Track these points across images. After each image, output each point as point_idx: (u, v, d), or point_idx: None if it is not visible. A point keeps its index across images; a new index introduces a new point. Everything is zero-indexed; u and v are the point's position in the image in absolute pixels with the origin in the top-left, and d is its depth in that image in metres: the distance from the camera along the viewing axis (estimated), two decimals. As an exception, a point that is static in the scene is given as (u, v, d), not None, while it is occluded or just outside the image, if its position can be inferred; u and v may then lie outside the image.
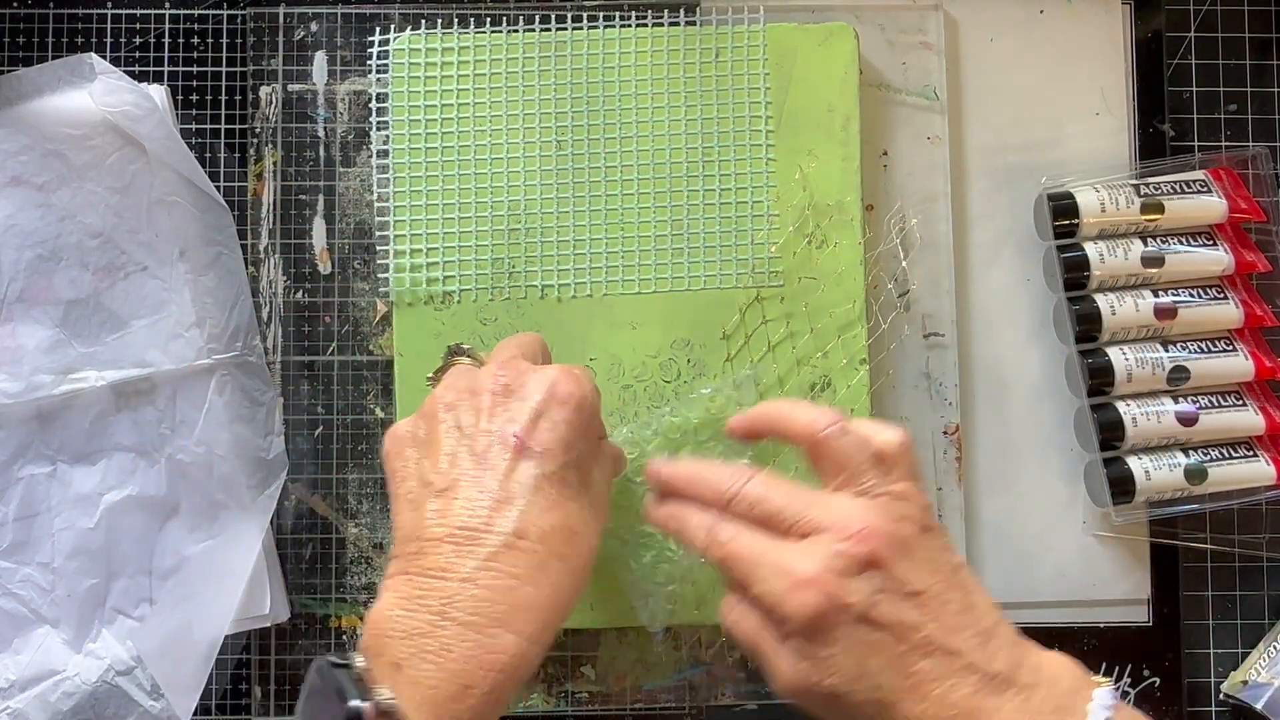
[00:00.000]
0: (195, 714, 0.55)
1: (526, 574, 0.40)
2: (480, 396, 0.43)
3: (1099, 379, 0.56)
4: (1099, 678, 0.41)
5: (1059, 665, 0.41)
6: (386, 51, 0.58)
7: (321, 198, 0.60)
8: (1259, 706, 0.56)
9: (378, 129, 0.58)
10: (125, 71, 0.58)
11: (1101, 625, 0.59)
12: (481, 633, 0.38)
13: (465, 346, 0.49)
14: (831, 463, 0.43)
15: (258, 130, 0.60)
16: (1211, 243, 0.57)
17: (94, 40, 0.60)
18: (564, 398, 0.43)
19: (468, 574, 0.39)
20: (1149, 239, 0.57)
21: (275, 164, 0.60)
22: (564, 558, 0.41)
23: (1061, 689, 0.40)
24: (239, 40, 0.60)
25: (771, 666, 0.41)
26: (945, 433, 0.58)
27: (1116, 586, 0.59)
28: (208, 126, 0.60)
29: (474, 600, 0.39)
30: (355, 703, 0.36)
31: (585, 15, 0.58)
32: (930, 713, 0.39)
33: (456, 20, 0.59)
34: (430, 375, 0.48)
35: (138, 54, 0.60)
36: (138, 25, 0.61)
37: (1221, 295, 0.57)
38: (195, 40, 0.60)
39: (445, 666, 0.38)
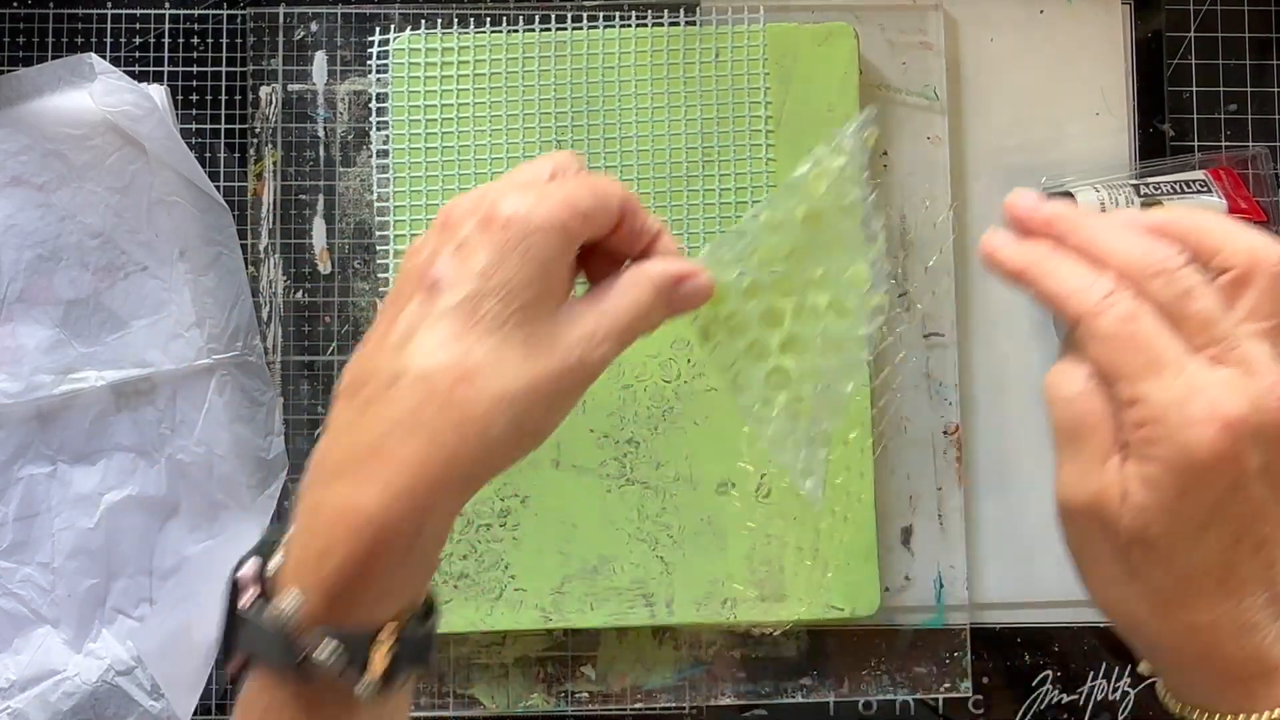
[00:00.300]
0: (195, 714, 0.55)
1: (393, 417, 0.33)
2: (427, 234, 0.37)
3: (1099, 379, 0.56)
4: None
5: None
6: (386, 51, 0.58)
7: (321, 198, 0.60)
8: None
9: (378, 129, 0.58)
10: (125, 71, 0.58)
11: (1102, 625, 0.59)
12: (342, 484, 0.33)
13: None
14: (1259, 305, 0.34)
15: (258, 130, 0.60)
16: (1211, 243, 0.57)
17: (94, 40, 0.60)
18: (505, 218, 0.34)
19: (342, 426, 0.35)
20: (1149, 239, 0.57)
21: (275, 164, 0.60)
22: (452, 404, 0.33)
23: None
24: (239, 40, 0.60)
25: (1083, 465, 0.35)
26: (945, 433, 0.59)
27: (1116, 586, 0.59)
28: (208, 126, 0.60)
29: (340, 452, 0.34)
30: (240, 570, 0.35)
31: (585, 15, 0.58)
32: (1214, 613, 0.34)
33: (456, 20, 0.59)
34: None
35: (138, 54, 0.60)
36: (138, 25, 0.61)
37: (1221, 295, 0.57)
38: (195, 40, 0.61)
39: (311, 526, 0.34)
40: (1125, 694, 0.59)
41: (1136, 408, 0.33)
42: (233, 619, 0.34)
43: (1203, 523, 0.33)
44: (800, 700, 0.58)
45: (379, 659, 0.33)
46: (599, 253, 0.37)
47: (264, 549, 0.35)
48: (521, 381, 0.34)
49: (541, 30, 0.58)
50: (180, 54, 0.60)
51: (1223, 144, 0.60)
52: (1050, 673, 0.59)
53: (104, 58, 0.57)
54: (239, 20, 0.60)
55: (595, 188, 0.36)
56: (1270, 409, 0.32)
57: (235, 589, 0.35)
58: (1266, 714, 0.34)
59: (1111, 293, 0.34)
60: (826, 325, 0.40)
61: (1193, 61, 0.61)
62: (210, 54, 0.60)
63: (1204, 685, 0.35)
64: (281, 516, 0.58)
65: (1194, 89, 0.61)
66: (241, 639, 0.34)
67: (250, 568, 0.35)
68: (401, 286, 0.36)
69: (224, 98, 0.60)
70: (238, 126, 0.60)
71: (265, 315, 0.59)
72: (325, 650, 0.33)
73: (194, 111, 0.60)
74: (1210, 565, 0.34)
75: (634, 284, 0.37)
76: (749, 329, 0.40)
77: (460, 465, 0.34)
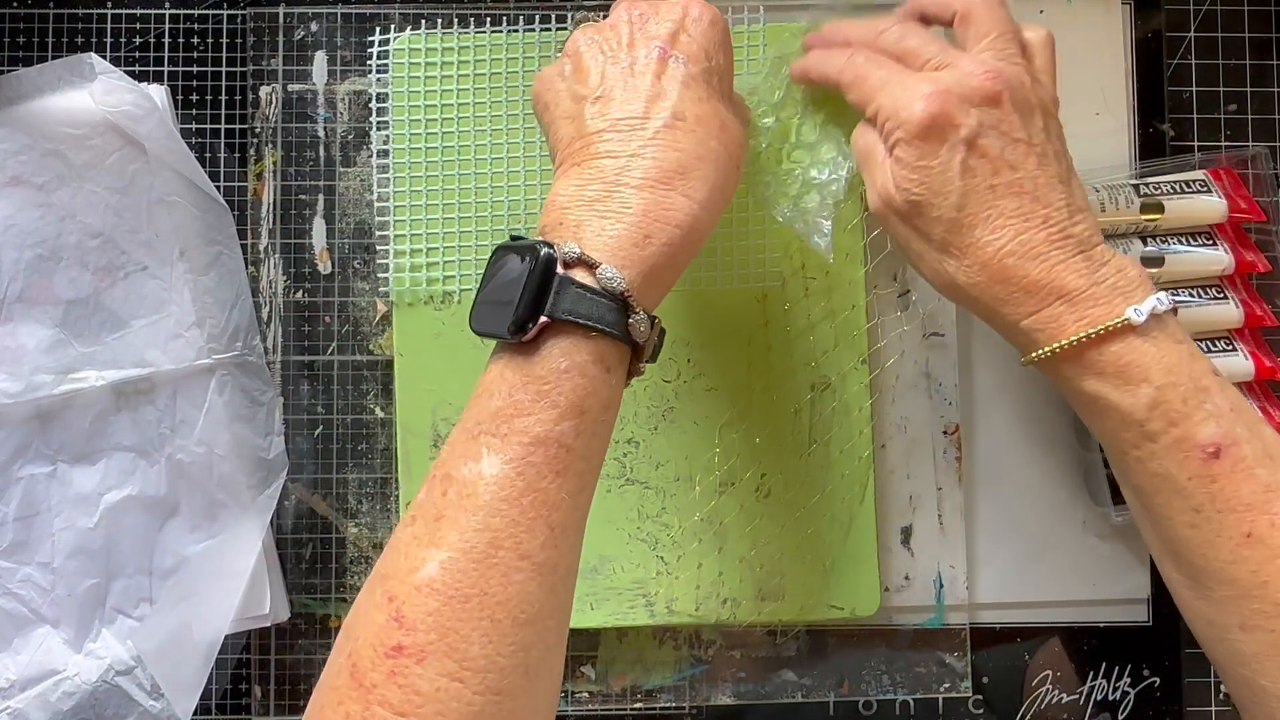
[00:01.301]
0: (195, 714, 0.55)
1: (689, 147, 0.42)
2: (618, 27, 0.46)
3: (1099, 379, 0.56)
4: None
5: (1128, 262, 0.44)
6: (386, 51, 0.58)
7: (321, 198, 0.60)
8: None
9: (378, 129, 0.58)
10: (125, 71, 0.58)
11: (1101, 625, 0.59)
12: (654, 191, 0.41)
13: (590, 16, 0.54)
14: (977, 29, 0.46)
15: (258, 130, 0.60)
16: (1211, 243, 0.57)
17: (94, 40, 0.60)
18: (697, 16, 0.45)
19: (634, 150, 0.42)
20: (1149, 239, 0.57)
21: (275, 164, 0.60)
22: (721, 141, 0.43)
23: (1128, 277, 0.43)
24: (239, 40, 0.60)
25: (872, 178, 0.46)
26: (945, 433, 0.59)
27: (1116, 586, 0.59)
28: (208, 126, 0.60)
29: (644, 168, 0.42)
30: (546, 250, 0.40)
31: (585, 15, 0.58)
32: (997, 244, 0.43)
33: (456, 20, 0.59)
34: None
35: (138, 54, 0.60)
36: (138, 25, 0.61)
37: (1221, 295, 0.57)
38: (195, 40, 0.61)
39: (624, 219, 0.41)
40: (1125, 694, 0.59)
41: (879, 118, 0.45)
42: (547, 284, 0.40)
43: (944, 176, 0.43)
44: (800, 700, 0.58)
45: (652, 337, 0.42)
46: None
47: (541, 243, 0.41)
48: (741, 137, 0.45)
49: (541, 30, 0.58)
50: (180, 54, 0.60)
51: (1223, 144, 0.60)
52: (1050, 673, 0.59)
53: (104, 58, 0.57)
54: (239, 20, 0.60)
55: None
56: (970, 82, 0.43)
57: (549, 262, 0.40)
58: (1068, 338, 0.43)
59: (853, 56, 0.47)
60: (824, 128, 0.52)
61: (1193, 61, 0.61)
62: (210, 54, 0.60)
63: (1017, 318, 0.44)
64: (282, 516, 0.58)
65: (1194, 89, 0.61)
66: (565, 302, 0.40)
67: (551, 251, 0.40)
68: (614, 54, 0.45)
69: (224, 98, 0.60)
70: (238, 126, 0.60)
71: (265, 315, 0.59)
72: (643, 321, 0.41)
73: (194, 111, 0.60)
74: (968, 207, 0.43)
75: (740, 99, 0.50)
76: (769, 138, 0.52)
77: (729, 187, 0.44)
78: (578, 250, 0.40)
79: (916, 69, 0.46)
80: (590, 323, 0.40)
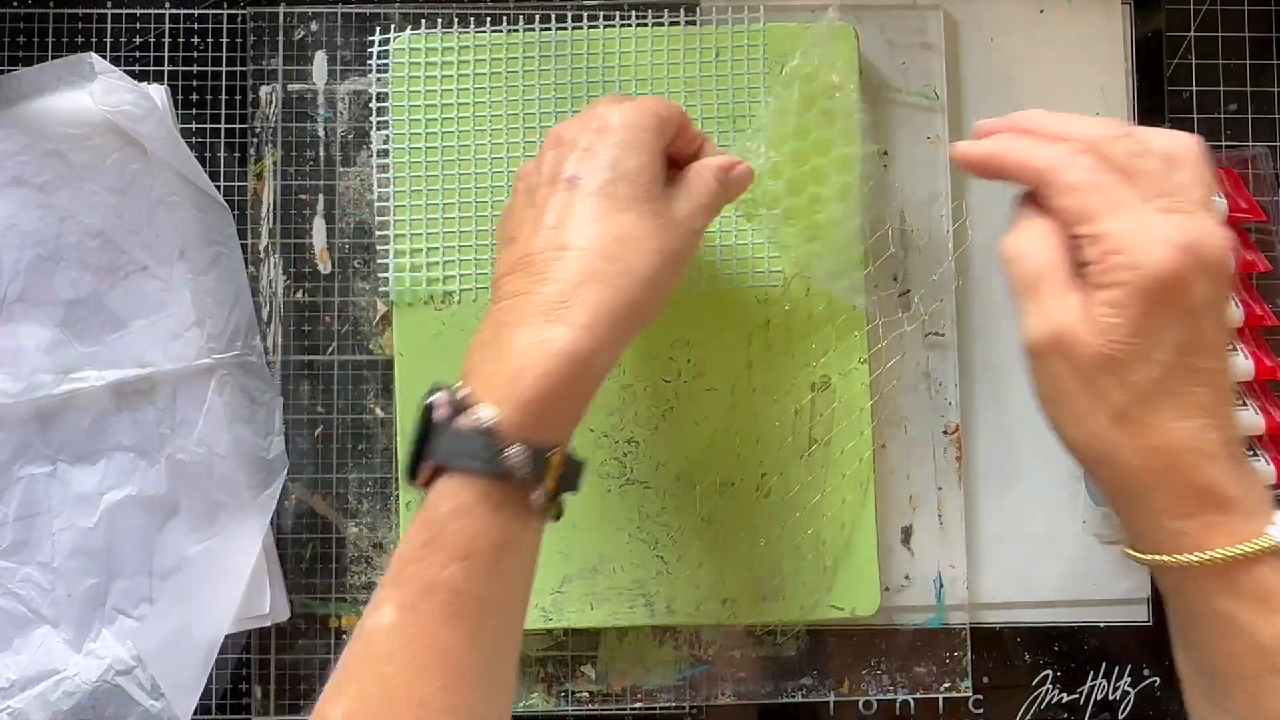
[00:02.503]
0: (195, 714, 0.55)
1: (570, 274, 0.42)
2: (543, 156, 0.46)
3: (1099, 379, 0.56)
4: None
5: (1256, 461, 0.43)
6: (386, 51, 0.58)
7: (321, 198, 0.60)
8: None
9: (378, 129, 0.58)
10: (125, 71, 0.58)
11: (1101, 625, 0.59)
12: (531, 327, 0.41)
13: None
14: (1185, 176, 0.40)
15: (258, 130, 0.60)
16: (1211, 243, 0.57)
17: (94, 40, 0.60)
18: (605, 125, 0.45)
19: (524, 289, 0.42)
20: (1149, 239, 0.57)
21: (275, 164, 0.60)
22: (615, 259, 0.42)
23: (1266, 481, 0.42)
24: (239, 40, 0.60)
25: (1044, 305, 0.40)
26: (945, 432, 0.59)
27: (1116, 586, 0.59)
28: (208, 126, 0.60)
29: (524, 306, 0.42)
30: (431, 395, 0.41)
31: (585, 15, 0.58)
32: (1180, 434, 0.39)
33: (456, 20, 0.59)
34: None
35: (138, 54, 0.60)
36: (138, 25, 0.61)
37: (1221, 295, 0.57)
38: (195, 40, 0.61)
39: (502, 356, 0.41)
40: (1125, 694, 0.59)
41: (1101, 242, 0.39)
42: (429, 431, 0.40)
43: (1159, 341, 0.38)
44: (800, 700, 0.58)
45: (550, 474, 0.41)
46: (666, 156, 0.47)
47: (438, 388, 0.41)
48: (659, 241, 0.43)
49: (541, 30, 0.58)
50: (180, 54, 0.60)
51: (1223, 144, 0.60)
52: (1050, 673, 0.59)
53: (104, 58, 0.57)
54: (239, 20, 0.60)
55: (660, 102, 0.46)
56: (1212, 244, 0.38)
57: (430, 409, 0.41)
58: (1221, 550, 0.39)
59: (1077, 150, 0.40)
60: (829, 177, 0.53)
61: (1193, 61, 0.61)
62: (210, 54, 0.60)
63: (1166, 514, 0.39)
64: (282, 516, 0.58)
65: (1194, 89, 0.61)
66: (441, 446, 0.40)
67: (441, 395, 0.41)
68: (532, 194, 0.45)
69: (224, 98, 0.60)
70: (238, 126, 0.60)
71: (265, 315, 0.59)
72: (518, 455, 0.40)
73: (194, 111, 0.60)
74: (1167, 382, 0.39)
75: (699, 176, 0.47)
76: (779, 200, 0.53)
77: (628, 305, 0.42)
78: (463, 393, 0.41)
79: (1145, 199, 0.39)
80: (462, 462, 0.40)
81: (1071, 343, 0.39)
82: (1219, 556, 0.38)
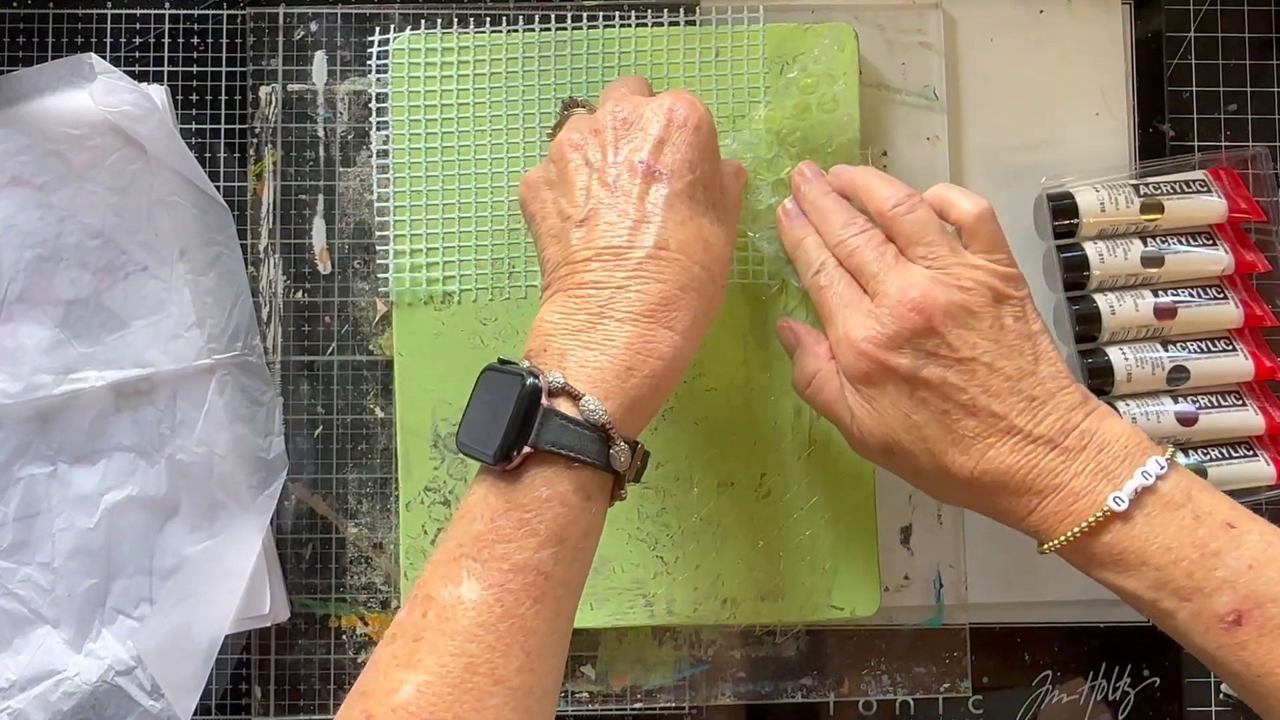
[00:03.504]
0: (195, 714, 0.55)
1: (672, 278, 0.43)
2: (603, 134, 0.46)
3: (1099, 379, 0.56)
4: (1165, 447, 0.44)
5: (1114, 433, 0.44)
6: (386, 51, 0.58)
7: (321, 198, 0.60)
8: (1259, 707, 0.56)
9: (378, 129, 0.58)
10: (125, 71, 0.58)
11: (1101, 625, 0.59)
12: (638, 325, 0.42)
13: (578, 98, 0.54)
14: (903, 236, 0.47)
15: (258, 130, 0.60)
16: (1211, 243, 0.57)
17: (94, 40, 0.60)
18: (681, 121, 0.45)
19: (619, 282, 0.43)
20: (1149, 239, 0.57)
21: (275, 164, 0.60)
22: (703, 265, 0.44)
23: (1111, 453, 0.43)
24: (239, 40, 0.60)
25: (837, 420, 0.48)
26: (945, 433, 0.58)
27: (1116, 586, 0.59)
28: (208, 126, 0.60)
29: (628, 301, 0.42)
30: (531, 380, 0.41)
31: (585, 15, 0.58)
32: (970, 465, 0.44)
33: (456, 20, 0.59)
34: (550, 129, 0.54)
35: (138, 54, 0.60)
36: (138, 25, 0.61)
37: (1221, 295, 0.57)
38: (195, 40, 0.61)
39: (607, 352, 0.42)
40: (1125, 694, 0.59)
41: (832, 343, 0.47)
42: (532, 417, 0.40)
43: (905, 411, 0.45)
44: (800, 700, 0.58)
45: (634, 464, 0.42)
46: None
47: (520, 369, 0.42)
48: (728, 248, 0.46)
49: (541, 30, 0.58)
50: (180, 54, 0.60)
51: (1223, 144, 0.60)
52: (1050, 673, 0.59)
53: (104, 58, 0.57)
54: (239, 20, 0.60)
55: (701, 102, 0.47)
56: (894, 323, 0.45)
57: (534, 393, 0.41)
58: (1066, 534, 0.43)
59: (822, 265, 0.49)
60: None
61: (1193, 61, 0.61)
62: (210, 54, 0.60)
63: (1018, 516, 0.45)
64: (282, 516, 0.58)
65: (1194, 89, 0.61)
66: (548, 434, 0.40)
67: (539, 380, 0.41)
68: (601, 173, 0.45)
69: (224, 98, 0.60)
70: (238, 126, 0.60)
71: (265, 315, 0.59)
72: (625, 452, 0.41)
73: (194, 111, 0.60)
74: (934, 434, 0.45)
75: (727, 180, 0.49)
76: (768, 196, 0.54)
77: (713, 312, 0.45)
78: (562, 380, 0.41)
79: (863, 288, 0.47)
80: (573, 454, 0.40)
81: (858, 445, 0.48)
82: (1059, 543, 0.44)
